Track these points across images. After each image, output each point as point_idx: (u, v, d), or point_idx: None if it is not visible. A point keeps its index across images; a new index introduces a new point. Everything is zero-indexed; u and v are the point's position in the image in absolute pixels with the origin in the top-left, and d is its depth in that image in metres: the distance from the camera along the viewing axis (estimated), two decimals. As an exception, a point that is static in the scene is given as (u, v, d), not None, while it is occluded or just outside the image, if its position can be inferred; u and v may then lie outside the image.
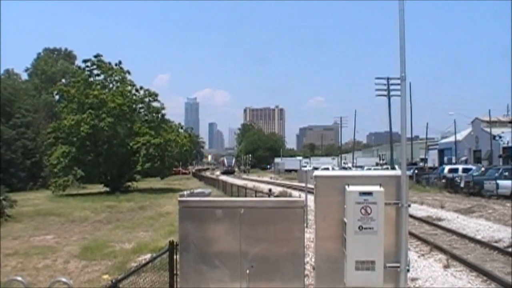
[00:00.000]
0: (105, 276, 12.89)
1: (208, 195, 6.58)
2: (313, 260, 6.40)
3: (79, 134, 51.22)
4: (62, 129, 52.75)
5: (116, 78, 57.40)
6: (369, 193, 5.71)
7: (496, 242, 17.32)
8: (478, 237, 18.47)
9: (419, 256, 14.95)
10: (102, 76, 57.45)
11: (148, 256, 10.34)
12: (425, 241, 17.31)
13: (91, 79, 56.67)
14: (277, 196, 23.93)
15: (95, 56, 56.47)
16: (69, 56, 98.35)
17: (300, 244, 6.03)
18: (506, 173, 37.56)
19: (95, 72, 56.85)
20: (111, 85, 57.90)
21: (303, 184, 22.64)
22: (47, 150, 56.53)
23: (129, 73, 58.16)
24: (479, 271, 12.62)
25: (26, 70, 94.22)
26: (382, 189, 5.76)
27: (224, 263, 6.04)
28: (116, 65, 57.69)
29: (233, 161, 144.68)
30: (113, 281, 5.70)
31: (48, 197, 46.42)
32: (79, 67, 60.27)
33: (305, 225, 6.48)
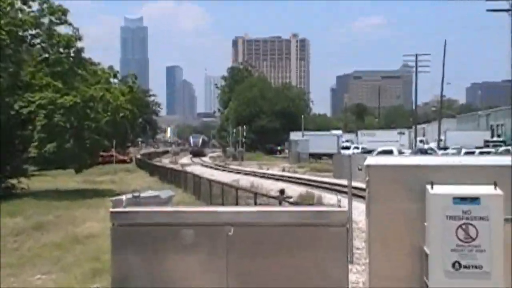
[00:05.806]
0: None
1: (168, 201, 4.90)
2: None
3: None
4: None
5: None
6: (474, 199, 4.22)
7: None
8: None
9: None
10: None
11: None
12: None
13: None
14: (295, 202, 18.00)
15: None
16: None
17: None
18: None
19: None
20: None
21: (344, 181, 16.28)
22: None
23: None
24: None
25: None
26: (499, 191, 4.21)
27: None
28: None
29: (200, 139, 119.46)
30: None
31: None
32: None
33: (348, 257, 4.60)
